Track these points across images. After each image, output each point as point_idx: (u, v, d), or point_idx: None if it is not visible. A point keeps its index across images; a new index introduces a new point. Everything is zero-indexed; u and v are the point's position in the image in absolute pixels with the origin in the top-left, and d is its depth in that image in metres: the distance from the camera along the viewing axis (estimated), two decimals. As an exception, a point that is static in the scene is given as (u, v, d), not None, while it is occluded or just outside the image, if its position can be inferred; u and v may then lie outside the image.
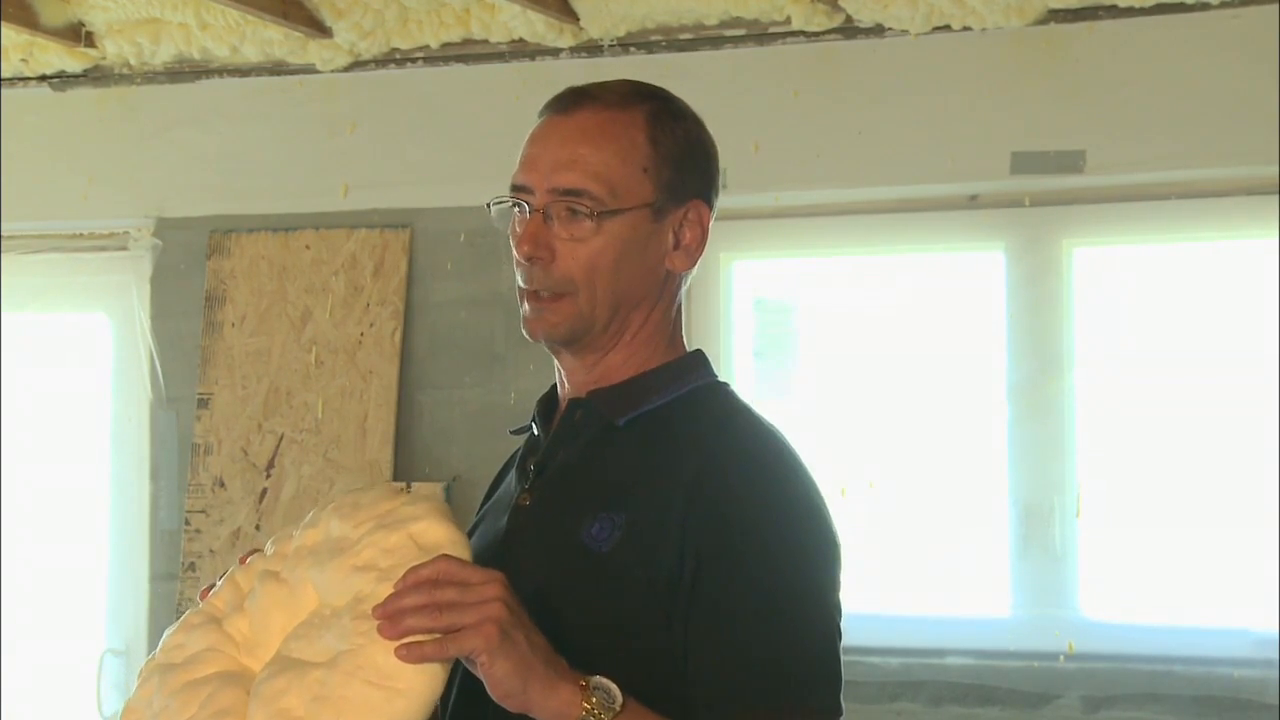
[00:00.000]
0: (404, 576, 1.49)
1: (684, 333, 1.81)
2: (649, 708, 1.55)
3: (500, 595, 1.48)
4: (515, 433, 1.83)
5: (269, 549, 1.67)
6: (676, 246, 1.74)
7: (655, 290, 1.74)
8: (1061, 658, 3.60)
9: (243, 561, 1.68)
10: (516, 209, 1.71)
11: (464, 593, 1.47)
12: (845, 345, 3.95)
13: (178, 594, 3.96)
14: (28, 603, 4.34)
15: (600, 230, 1.68)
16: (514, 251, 1.72)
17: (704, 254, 1.78)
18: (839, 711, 1.59)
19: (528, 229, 1.69)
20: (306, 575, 1.60)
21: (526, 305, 1.72)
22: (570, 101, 1.72)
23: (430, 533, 1.55)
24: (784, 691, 1.56)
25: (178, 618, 1.91)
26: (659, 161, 1.71)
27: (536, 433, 1.79)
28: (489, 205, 1.75)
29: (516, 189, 1.72)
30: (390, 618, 1.47)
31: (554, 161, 1.69)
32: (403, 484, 3.87)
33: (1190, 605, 3.62)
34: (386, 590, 1.50)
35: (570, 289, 1.69)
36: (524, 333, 1.74)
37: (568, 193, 1.68)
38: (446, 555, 1.51)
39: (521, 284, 1.72)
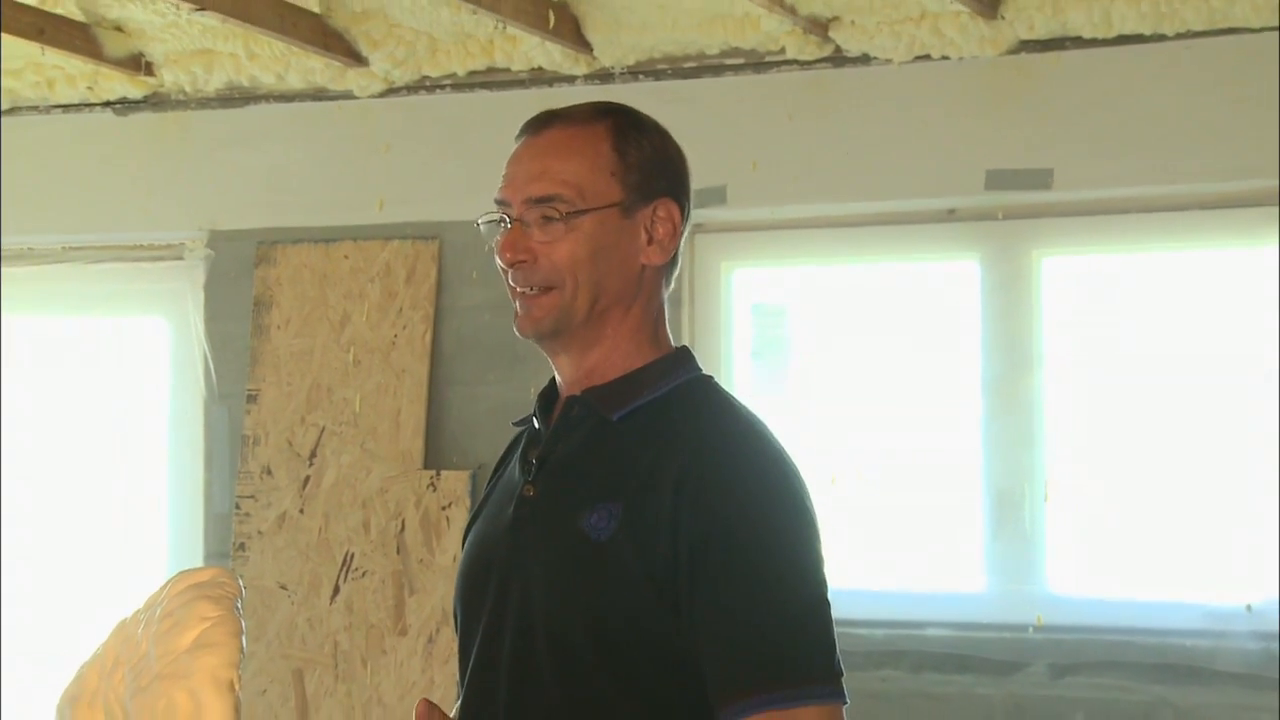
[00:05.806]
0: None
1: (685, 334, 1.83)
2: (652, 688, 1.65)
3: None
4: (517, 424, 1.87)
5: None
6: (650, 242, 1.77)
7: (633, 286, 1.77)
8: (1031, 629, 3.66)
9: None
10: (499, 223, 1.77)
11: None
12: (835, 346, 3.96)
13: (231, 570, 4.18)
14: (94, 579, 4.38)
15: (573, 229, 1.73)
16: (498, 260, 1.77)
17: (678, 249, 1.79)
18: (837, 675, 1.64)
19: (507, 237, 1.75)
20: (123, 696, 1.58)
21: (518, 304, 1.77)
22: (541, 123, 1.78)
23: (200, 714, 1.51)
24: (786, 669, 1.62)
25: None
26: (625, 168, 1.75)
27: (538, 426, 1.81)
28: (477, 223, 1.80)
29: (498, 205, 1.78)
30: None
31: (527, 175, 1.75)
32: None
33: (1148, 581, 3.66)
34: None
35: (557, 282, 1.73)
36: (515, 331, 1.79)
37: (540, 200, 1.73)
38: None
39: (510, 283, 1.77)
